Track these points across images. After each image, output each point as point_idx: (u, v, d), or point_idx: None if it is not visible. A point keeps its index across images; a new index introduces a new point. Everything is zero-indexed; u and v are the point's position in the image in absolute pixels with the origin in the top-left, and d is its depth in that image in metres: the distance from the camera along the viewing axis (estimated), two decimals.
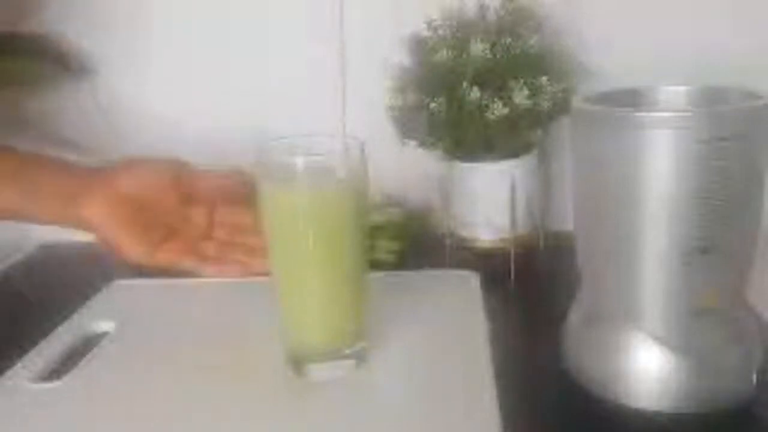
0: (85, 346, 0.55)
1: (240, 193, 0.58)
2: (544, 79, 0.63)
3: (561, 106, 0.64)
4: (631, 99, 0.47)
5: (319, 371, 0.48)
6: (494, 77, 0.63)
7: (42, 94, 0.78)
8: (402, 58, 0.68)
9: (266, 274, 0.49)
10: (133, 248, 0.57)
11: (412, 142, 0.68)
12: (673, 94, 0.47)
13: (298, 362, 0.49)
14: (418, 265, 0.66)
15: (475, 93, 0.62)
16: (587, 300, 0.48)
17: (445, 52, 0.63)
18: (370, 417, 0.44)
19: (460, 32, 0.65)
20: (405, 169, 0.73)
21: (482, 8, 0.67)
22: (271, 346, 0.50)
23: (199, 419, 0.45)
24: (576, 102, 0.45)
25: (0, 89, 0.73)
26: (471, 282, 0.61)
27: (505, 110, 0.62)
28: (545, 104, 0.63)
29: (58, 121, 0.78)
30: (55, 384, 0.49)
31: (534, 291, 0.64)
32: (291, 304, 0.49)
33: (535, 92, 0.62)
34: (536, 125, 0.65)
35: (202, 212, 0.60)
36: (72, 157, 0.62)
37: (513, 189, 0.65)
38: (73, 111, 0.79)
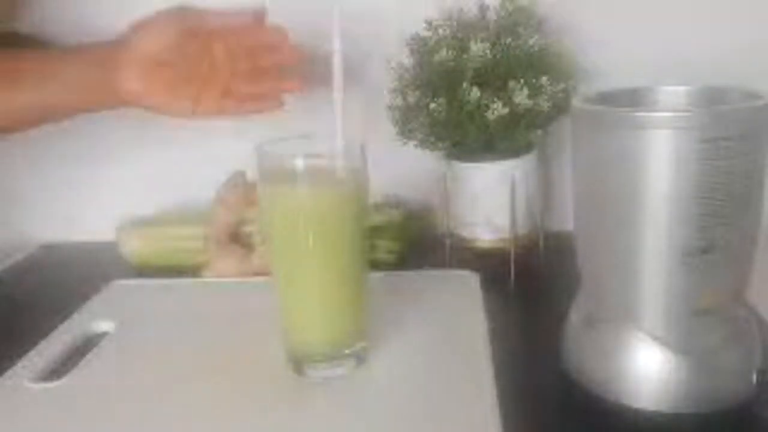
0: (85, 346, 0.55)
1: (254, 33, 0.59)
2: (544, 79, 0.63)
3: (561, 106, 0.64)
4: (631, 99, 0.47)
5: (319, 371, 0.48)
6: (494, 77, 0.63)
7: None
8: (402, 58, 0.68)
9: (266, 273, 0.50)
10: (176, 106, 0.58)
11: (412, 142, 0.68)
12: (673, 94, 0.47)
13: (298, 362, 0.49)
14: (418, 265, 0.66)
15: (475, 93, 0.62)
16: (587, 300, 0.48)
17: (445, 52, 0.63)
18: (370, 417, 0.44)
19: (460, 32, 0.65)
20: (405, 169, 0.73)
21: (482, 8, 0.67)
22: (271, 346, 0.50)
23: (199, 419, 0.45)
24: (576, 102, 0.45)
25: None
26: (471, 282, 0.61)
27: (505, 110, 0.62)
28: (545, 104, 0.63)
29: None
30: (55, 384, 0.49)
31: (534, 291, 0.64)
32: (291, 304, 0.49)
33: (535, 92, 0.62)
34: (536, 125, 0.65)
35: (221, 49, 0.59)
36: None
37: (513, 189, 0.65)
38: None
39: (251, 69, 0.60)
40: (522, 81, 0.62)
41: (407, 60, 0.68)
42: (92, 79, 0.57)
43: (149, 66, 0.55)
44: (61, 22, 0.74)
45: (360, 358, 0.49)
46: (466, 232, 0.70)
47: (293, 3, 0.72)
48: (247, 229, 0.68)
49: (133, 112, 0.77)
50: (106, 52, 0.57)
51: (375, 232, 0.66)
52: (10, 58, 0.59)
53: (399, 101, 0.66)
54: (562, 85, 0.64)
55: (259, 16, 0.59)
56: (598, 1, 0.70)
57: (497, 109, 0.61)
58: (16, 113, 0.59)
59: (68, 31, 0.75)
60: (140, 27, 0.57)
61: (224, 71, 0.59)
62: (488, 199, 0.67)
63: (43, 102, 0.58)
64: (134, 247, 0.72)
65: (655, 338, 0.43)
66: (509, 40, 0.64)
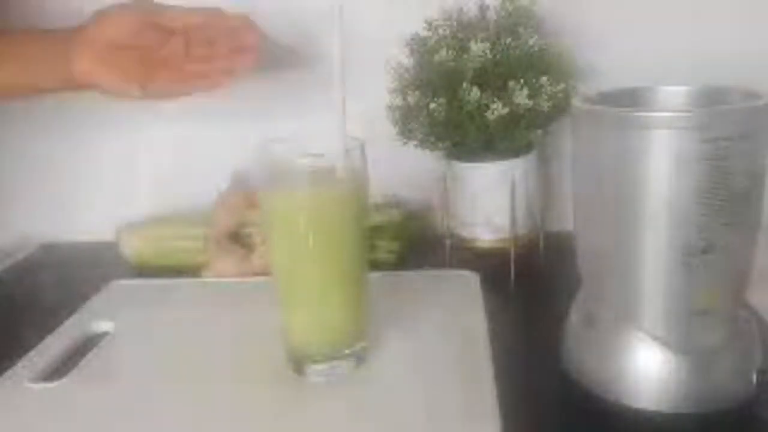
0: (85, 346, 0.55)
1: (215, 24, 0.60)
2: (544, 79, 0.63)
3: (561, 106, 0.64)
4: (631, 99, 0.47)
5: (319, 371, 0.48)
6: (494, 77, 0.63)
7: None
8: (402, 58, 0.68)
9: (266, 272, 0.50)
10: (126, 85, 0.59)
11: (412, 142, 0.68)
12: (673, 94, 0.47)
13: (298, 362, 0.49)
14: (418, 265, 0.66)
15: (475, 93, 0.62)
16: (587, 300, 0.48)
17: (445, 52, 0.63)
18: (370, 417, 0.44)
19: (460, 32, 0.65)
20: (405, 169, 0.73)
21: (482, 8, 0.67)
22: (271, 346, 0.50)
23: (199, 419, 0.45)
24: (576, 102, 0.45)
25: None
26: (471, 282, 0.61)
27: (505, 110, 0.62)
28: (545, 104, 0.63)
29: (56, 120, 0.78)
30: (55, 384, 0.49)
31: (534, 291, 0.64)
32: (291, 304, 0.49)
33: (535, 92, 0.62)
34: (536, 125, 0.65)
35: (180, 41, 0.61)
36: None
37: (513, 189, 0.65)
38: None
39: (205, 53, 0.61)
40: (522, 81, 0.62)
41: (407, 60, 0.68)
42: (49, 59, 0.59)
43: (103, 48, 0.58)
44: (45, 17, 0.74)
45: (360, 358, 0.49)
46: (466, 232, 0.70)
47: (293, 3, 0.72)
48: (247, 229, 0.68)
49: (133, 111, 0.78)
50: (65, 35, 0.59)
51: (375, 232, 0.66)
52: None
53: (399, 101, 0.66)
54: (562, 85, 0.64)
55: (217, 14, 0.61)
56: (598, 1, 0.70)
57: (497, 109, 0.61)
58: None
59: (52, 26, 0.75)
60: (100, 14, 0.59)
61: (178, 56, 0.61)
62: (488, 199, 0.67)
63: (4, 80, 0.60)
64: (134, 247, 0.72)
65: (655, 338, 0.43)
66: (509, 40, 0.63)
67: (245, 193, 0.68)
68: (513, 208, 0.65)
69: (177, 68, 0.61)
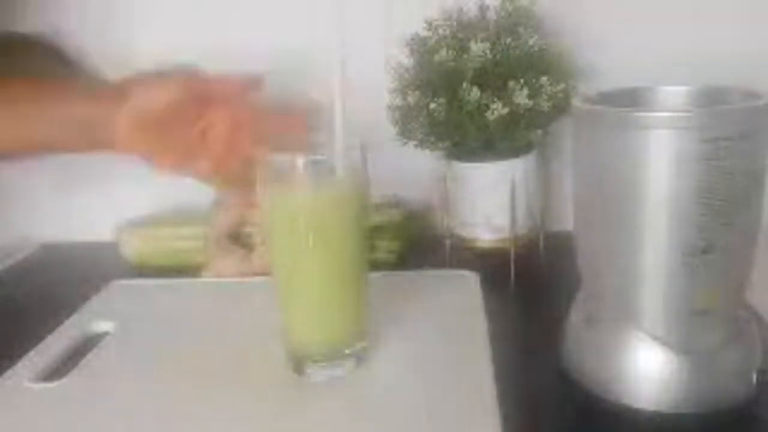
0: (85, 346, 0.55)
1: (254, 96, 0.58)
2: (544, 79, 0.63)
3: (561, 106, 0.64)
4: (631, 99, 0.47)
5: (319, 371, 0.48)
6: (494, 77, 0.63)
7: None
8: (402, 58, 0.68)
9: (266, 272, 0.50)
10: (163, 161, 0.57)
11: (412, 142, 0.68)
12: (673, 94, 0.47)
13: (298, 362, 0.49)
14: (418, 265, 0.66)
15: (475, 93, 0.62)
16: (587, 300, 0.48)
17: (445, 52, 0.63)
18: (370, 417, 0.44)
19: (460, 32, 0.65)
20: (405, 169, 0.73)
21: (482, 8, 0.67)
22: (271, 346, 0.50)
23: (199, 419, 0.45)
24: (576, 102, 0.45)
25: None
26: (471, 282, 0.61)
27: (505, 110, 0.62)
28: (545, 104, 0.63)
29: None
30: (55, 384, 0.49)
31: (534, 291, 0.64)
32: (291, 304, 0.49)
33: (535, 92, 0.62)
34: (536, 125, 0.65)
35: (223, 118, 0.58)
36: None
37: (513, 189, 0.65)
38: None
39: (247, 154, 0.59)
40: (522, 81, 0.62)
41: (407, 60, 0.68)
42: (82, 122, 0.56)
43: (142, 119, 0.55)
44: (64, 23, 0.74)
45: (360, 358, 0.49)
46: (466, 232, 0.70)
47: (293, 3, 0.72)
48: (247, 229, 0.68)
49: None
50: (103, 98, 0.56)
51: (375, 232, 0.66)
52: (5, 85, 0.57)
53: (399, 101, 0.66)
54: (562, 85, 0.64)
55: (257, 82, 0.59)
56: (598, 1, 0.70)
57: (497, 109, 0.61)
58: (3, 144, 0.57)
59: (71, 32, 0.75)
60: (146, 82, 0.56)
61: (217, 144, 0.57)
62: (488, 199, 0.67)
63: (34, 136, 0.57)
64: (134, 247, 0.72)
65: (655, 338, 0.43)
66: (509, 40, 0.63)
67: (244, 191, 0.68)
68: (513, 208, 0.65)
69: (214, 158, 0.58)
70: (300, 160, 0.45)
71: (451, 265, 0.67)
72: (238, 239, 0.68)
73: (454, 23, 0.66)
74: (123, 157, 0.57)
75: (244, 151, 0.57)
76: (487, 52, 0.62)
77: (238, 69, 0.60)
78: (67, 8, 0.75)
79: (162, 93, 0.56)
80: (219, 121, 0.57)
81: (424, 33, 0.66)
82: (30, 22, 0.74)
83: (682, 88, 0.47)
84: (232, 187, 0.60)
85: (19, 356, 0.53)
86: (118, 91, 0.56)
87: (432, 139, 0.66)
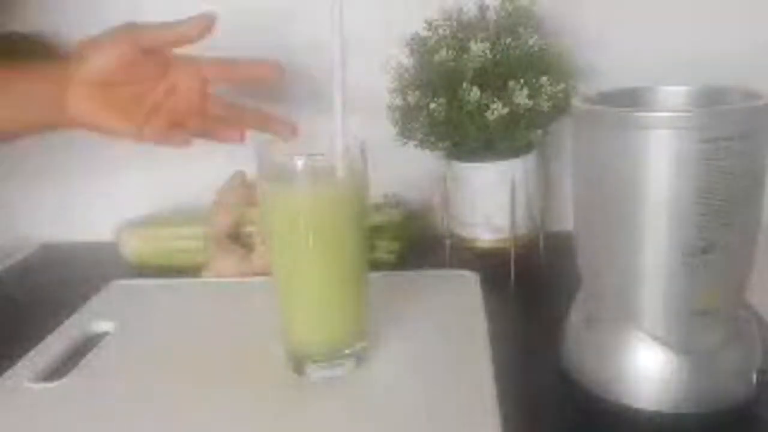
0: (85, 346, 0.55)
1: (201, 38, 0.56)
2: (544, 79, 0.63)
3: (561, 106, 0.64)
4: (631, 99, 0.47)
5: (319, 371, 0.48)
6: (494, 77, 0.63)
7: None
8: (402, 58, 0.68)
9: (265, 272, 0.50)
10: (120, 128, 0.55)
11: (412, 142, 0.68)
12: (673, 94, 0.47)
13: (298, 362, 0.49)
14: (418, 265, 0.66)
15: (475, 93, 0.62)
16: (587, 300, 0.48)
17: (445, 52, 0.63)
18: (370, 417, 0.44)
19: (460, 32, 0.65)
20: (405, 169, 0.73)
21: (482, 8, 0.67)
22: (271, 346, 0.50)
23: (199, 419, 0.45)
24: (576, 102, 0.45)
25: None
26: (471, 282, 0.61)
27: (505, 110, 0.62)
28: (545, 104, 0.63)
29: None
30: (55, 384, 0.49)
31: (534, 291, 0.64)
32: (291, 304, 0.49)
33: (535, 92, 0.62)
34: (536, 125, 0.65)
35: (183, 78, 0.57)
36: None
37: (513, 189, 0.65)
38: None
39: (206, 106, 0.58)
40: (522, 81, 0.62)
41: (407, 60, 0.68)
42: (42, 97, 0.55)
43: (99, 86, 0.54)
44: (61, 21, 0.74)
45: (360, 358, 0.49)
46: (466, 232, 0.70)
47: (293, 3, 0.72)
48: (247, 229, 0.68)
49: None
50: (57, 70, 0.55)
51: (375, 232, 0.66)
52: None
53: (399, 101, 0.66)
54: (562, 85, 0.64)
55: (209, 21, 0.56)
56: (598, 1, 0.70)
57: (497, 109, 0.61)
58: None
59: (67, 30, 0.75)
60: (93, 45, 0.55)
61: (180, 102, 0.57)
62: (488, 199, 0.67)
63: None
64: (134, 247, 0.72)
65: (655, 338, 0.43)
66: (509, 40, 0.63)
67: (244, 190, 0.68)
68: (513, 208, 0.65)
69: (176, 117, 0.57)
70: (300, 160, 0.45)
71: (451, 265, 0.67)
72: (238, 239, 0.68)
73: (454, 23, 0.66)
74: (84, 130, 0.56)
75: (209, 107, 0.56)
76: (487, 52, 0.62)
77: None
78: (66, 8, 0.75)
79: (109, 52, 0.54)
80: (182, 79, 0.55)
81: (424, 33, 0.66)
82: (30, 22, 0.74)
83: (682, 88, 0.47)
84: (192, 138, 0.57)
85: (19, 356, 0.53)
86: (67, 62, 0.55)
87: (432, 139, 0.66)
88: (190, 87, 0.56)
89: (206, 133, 0.58)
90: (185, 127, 0.57)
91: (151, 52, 0.55)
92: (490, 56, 0.63)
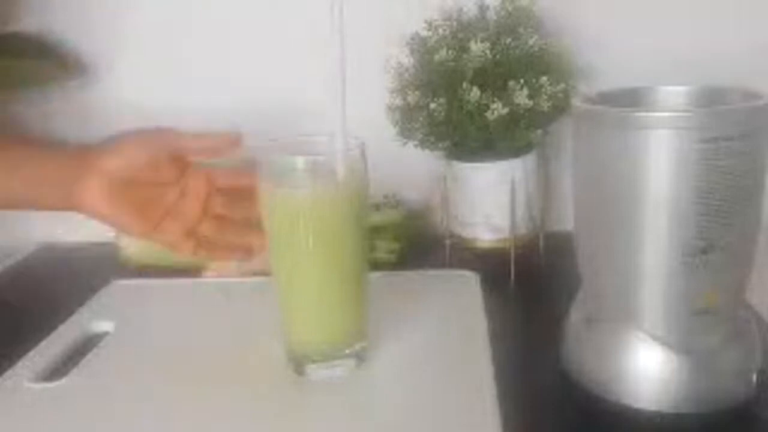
0: (85, 346, 0.55)
1: (233, 154, 0.55)
2: (544, 79, 0.63)
3: (561, 106, 0.64)
4: (631, 99, 0.47)
5: (319, 371, 0.48)
6: (494, 77, 0.63)
7: (42, 94, 0.78)
8: (402, 58, 0.68)
9: (264, 272, 0.49)
10: (132, 227, 0.55)
11: (412, 142, 0.68)
12: (673, 94, 0.47)
13: (298, 362, 0.49)
14: (418, 265, 0.66)
15: (475, 93, 0.62)
16: (587, 300, 0.48)
17: (445, 52, 0.63)
18: (370, 417, 0.44)
19: (460, 32, 0.65)
20: (405, 169, 0.73)
21: (482, 8, 0.67)
22: (271, 346, 0.50)
23: (199, 419, 0.45)
24: (576, 102, 0.45)
25: (0, 89, 0.73)
26: (471, 282, 0.61)
27: (505, 110, 0.62)
28: (545, 104, 0.63)
29: (56, 121, 0.78)
30: (55, 384, 0.49)
31: (534, 291, 0.64)
32: (291, 304, 0.49)
33: (535, 92, 0.62)
34: (536, 125, 0.65)
35: (198, 186, 0.57)
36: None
37: (513, 189, 0.65)
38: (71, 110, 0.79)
39: (221, 217, 0.57)
40: (522, 81, 0.62)
41: (407, 60, 0.68)
42: (56, 182, 0.54)
43: (116, 183, 0.53)
44: (63, 24, 0.74)
45: (360, 358, 0.49)
46: (466, 232, 0.70)
47: (294, 3, 0.72)
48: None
49: (131, 108, 0.78)
50: (76, 158, 0.54)
51: (375, 232, 0.66)
52: None
53: (399, 101, 0.66)
54: (562, 85, 0.64)
55: (234, 140, 0.56)
56: (598, 1, 0.70)
57: (497, 109, 0.61)
58: None
59: (70, 33, 0.75)
60: (115, 141, 0.54)
61: (193, 210, 0.56)
62: (488, 199, 0.67)
63: (3, 194, 0.55)
64: (134, 247, 0.72)
65: (655, 338, 0.43)
66: (509, 40, 0.63)
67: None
68: (513, 208, 0.65)
69: (190, 226, 0.56)
70: (300, 160, 0.45)
71: (451, 265, 0.67)
72: None
73: (454, 23, 0.66)
74: (92, 218, 0.55)
75: (218, 215, 0.57)
76: (487, 52, 0.62)
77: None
78: (65, 8, 0.75)
79: (138, 151, 0.54)
80: (195, 185, 0.55)
81: (424, 33, 0.66)
82: (25, 22, 0.74)
83: (682, 88, 0.47)
84: (204, 256, 0.57)
85: (19, 356, 0.53)
86: (88, 151, 0.55)
87: (432, 139, 0.66)
88: (199, 192, 0.57)
89: (211, 246, 0.58)
90: (197, 234, 0.57)
91: (176, 157, 0.55)
92: (490, 56, 0.63)
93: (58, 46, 0.76)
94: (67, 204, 0.54)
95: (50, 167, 0.55)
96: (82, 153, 0.54)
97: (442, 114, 0.63)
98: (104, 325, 0.58)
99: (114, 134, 0.56)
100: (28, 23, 0.75)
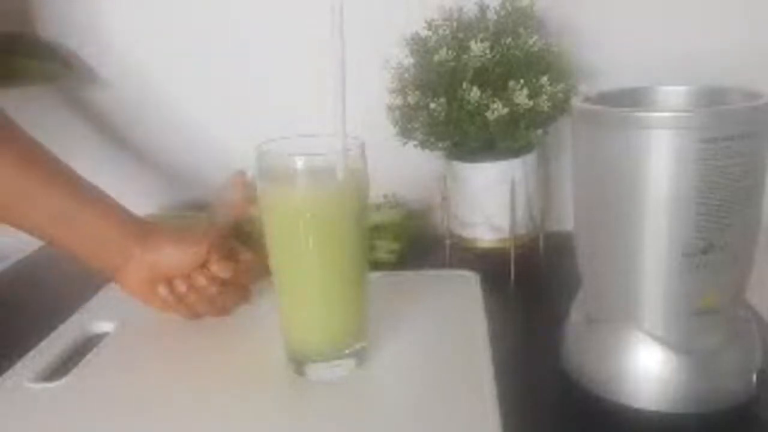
0: (85, 346, 0.55)
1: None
2: (544, 79, 0.63)
3: (561, 106, 0.64)
4: (631, 99, 0.47)
5: (319, 371, 0.48)
6: (494, 77, 0.63)
7: (45, 94, 0.78)
8: (402, 58, 0.68)
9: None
10: (158, 307, 0.57)
11: (412, 142, 0.68)
12: (673, 94, 0.47)
13: (298, 362, 0.49)
14: (418, 265, 0.66)
15: (475, 93, 0.62)
16: (587, 300, 0.48)
17: (445, 52, 0.63)
18: (370, 417, 0.44)
19: (460, 32, 0.65)
20: (405, 169, 0.73)
21: (482, 8, 0.67)
22: (272, 346, 0.50)
23: (199, 419, 0.45)
24: (576, 102, 0.45)
25: (3, 89, 0.73)
26: (471, 282, 0.61)
27: (505, 110, 0.62)
28: (545, 104, 0.63)
29: (58, 120, 0.78)
30: (55, 384, 0.49)
31: (534, 291, 0.64)
32: (291, 304, 0.49)
33: (535, 92, 0.62)
34: (536, 125, 0.65)
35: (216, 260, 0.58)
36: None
37: (513, 189, 0.65)
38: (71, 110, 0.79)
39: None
40: (522, 81, 0.62)
41: (407, 60, 0.68)
42: (98, 245, 0.54)
43: (159, 276, 0.55)
44: (72, 25, 0.75)
45: (360, 358, 0.49)
46: (466, 232, 0.70)
47: (294, 3, 0.72)
48: (247, 228, 0.68)
49: (131, 108, 0.78)
50: (129, 238, 0.55)
51: (375, 232, 0.66)
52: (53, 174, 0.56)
53: (399, 101, 0.66)
54: (562, 85, 0.64)
55: (243, 176, 0.60)
56: (598, 1, 0.70)
57: (497, 109, 0.61)
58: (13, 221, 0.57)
59: (72, 34, 0.75)
60: (166, 244, 0.54)
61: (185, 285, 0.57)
62: (488, 199, 0.67)
63: (44, 229, 0.56)
64: None
65: (655, 338, 0.43)
66: (509, 40, 0.63)
67: (245, 190, 0.68)
68: (513, 208, 0.65)
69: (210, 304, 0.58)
70: (300, 160, 0.45)
71: (451, 265, 0.67)
72: (238, 239, 0.68)
73: (454, 23, 0.66)
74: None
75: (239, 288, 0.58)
76: (487, 52, 0.62)
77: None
78: (79, 12, 0.75)
79: (189, 255, 0.55)
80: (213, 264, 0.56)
81: (424, 33, 0.66)
82: (31, 24, 0.74)
83: (682, 88, 0.47)
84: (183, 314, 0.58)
85: (19, 356, 0.53)
86: (144, 233, 0.55)
87: (432, 139, 0.66)
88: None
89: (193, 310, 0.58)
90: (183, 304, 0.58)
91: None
92: (490, 56, 0.63)
93: (61, 47, 0.76)
94: (100, 270, 0.56)
95: (100, 234, 0.55)
96: (137, 234, 0.55)
97: (442, 114, 0.63)
98: (104, 326, 0.58)
99: (163, 225, 0.57)
100: (38, 25, 0.75)
